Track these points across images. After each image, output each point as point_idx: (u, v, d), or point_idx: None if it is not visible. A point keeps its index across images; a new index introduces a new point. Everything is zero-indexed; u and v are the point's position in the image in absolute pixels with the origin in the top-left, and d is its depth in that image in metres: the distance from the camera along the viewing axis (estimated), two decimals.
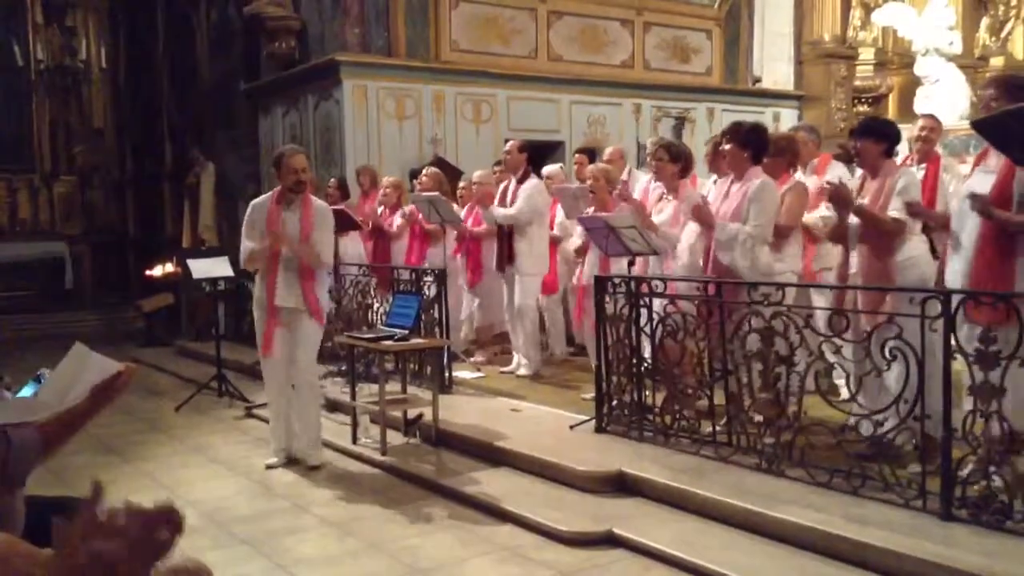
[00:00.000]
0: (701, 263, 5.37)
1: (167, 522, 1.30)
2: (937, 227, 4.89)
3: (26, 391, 2.18)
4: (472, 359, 8.00)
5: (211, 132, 12.13)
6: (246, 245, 5.66)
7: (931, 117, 6.07)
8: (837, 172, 6.07)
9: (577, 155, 7.92)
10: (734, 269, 5.05)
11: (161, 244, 13.22)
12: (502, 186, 7.61)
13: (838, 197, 4.72)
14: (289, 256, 5.53)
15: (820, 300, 5.37)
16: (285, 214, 5.59)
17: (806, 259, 5.90)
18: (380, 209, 8.39)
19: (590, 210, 6.34)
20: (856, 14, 13.48)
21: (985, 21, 14.02)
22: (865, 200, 4.72)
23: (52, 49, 14.73)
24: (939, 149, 6.17)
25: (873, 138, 4.74)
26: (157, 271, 11.92)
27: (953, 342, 3.79)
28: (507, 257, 7.32)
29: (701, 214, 5.21)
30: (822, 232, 5.70)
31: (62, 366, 2.20)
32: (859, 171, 5.14)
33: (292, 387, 5.80)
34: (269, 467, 5.75)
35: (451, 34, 10.33)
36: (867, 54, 13.43)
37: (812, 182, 6.03)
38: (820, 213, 5.73)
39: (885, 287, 4.48)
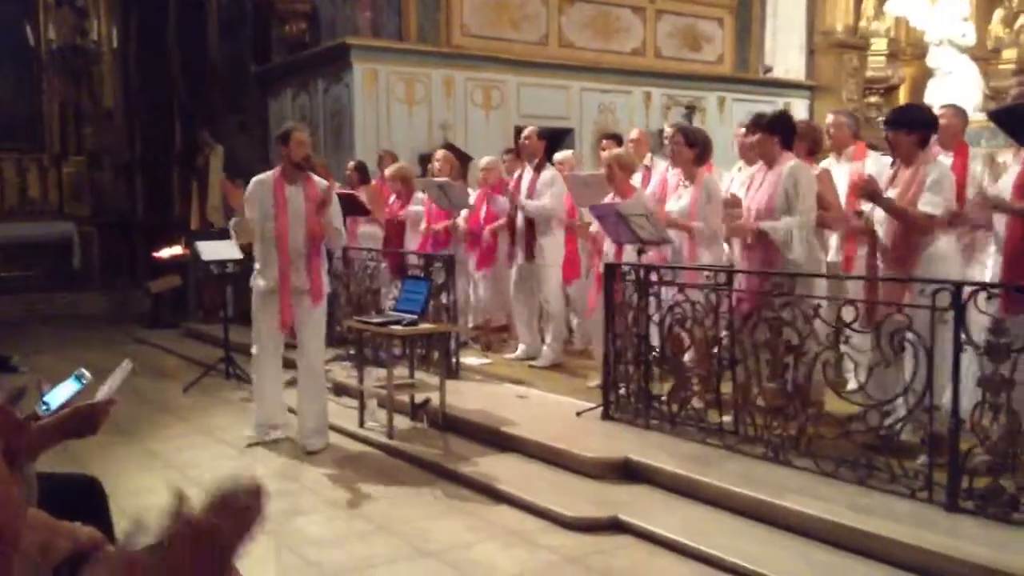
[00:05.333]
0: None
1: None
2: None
3: (67, 387, 2.19)
4: (475, 345, 8.00)
5: (220, 115, 12.14)
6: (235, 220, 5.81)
7: (949, 106, 5.90)
8: (874, 163, 5.95)
9: (604, 140, 7.88)
10: (798, 263, 4.87)
11: (169, 226, 13.24)
12: (516, 173, 7.56)
13: (868, 192, 4.65)
14: (296, 238, 5.57)
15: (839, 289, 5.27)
16: (290, 189, 5.62)
17: (849, 247, 5.81)
18: (391, 198, 8.38)
19: (609, 197, 6.30)
20: (869, 4, 13.39)
21: (999, 13, 13.91)
22: (897, 190, 4.64)
23: (63, 29, 14.73)
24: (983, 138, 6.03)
25: (905, 129, 4.61)
26: (165, 253, 11.94)
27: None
28: (528, 250, 7.28)
29: (742, 228, 5.16)
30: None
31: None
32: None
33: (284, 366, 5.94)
34: (250, 445, 5.83)
35: (462, 19, 10.32)
36: (879, 44, 13.34)
37: (848, 169, 5.96)
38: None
39: (899, 277, 4.46)
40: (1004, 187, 4.31)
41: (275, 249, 5.61)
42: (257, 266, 5.81)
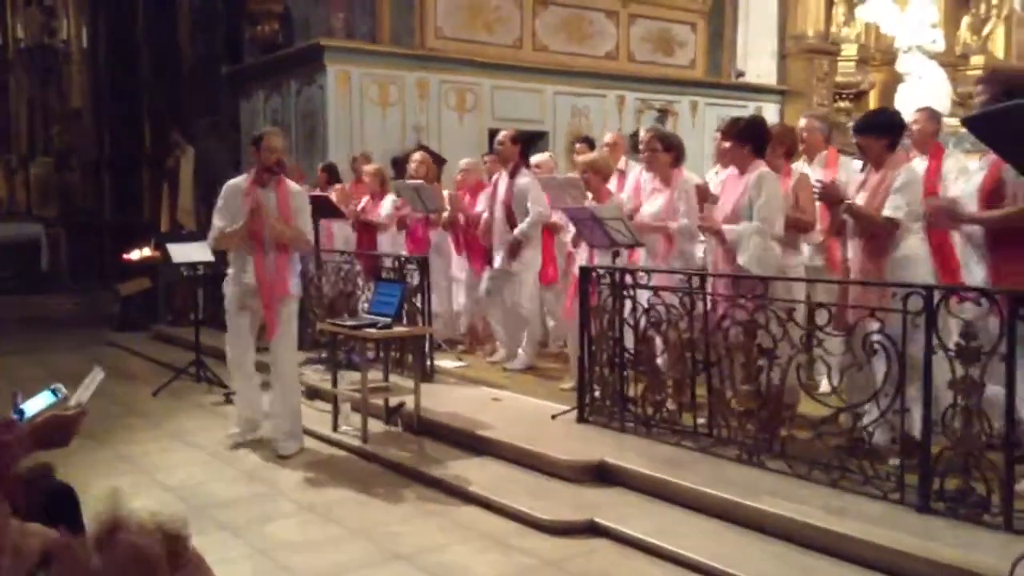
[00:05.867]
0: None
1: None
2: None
3: (42, 398, 2.17)
4: (448, 348, 7.97)
5: (192, 116, 12.03)
6: (217, 225, 5.67)
7: (924, 110, 5.94)
8: (844, 168, 5.97)
9: (578, 144, 7.87)
10: (748, 269, 4.88)
11: (138, 228, 13.10)
12: (495, 177, 7.53)
13: (828, 195, 4.71)
14: (269, 240, 5.54)
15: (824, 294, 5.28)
16: (262, 193, 5.59)
17: (833, 249, 5.83)
18: (365, 199, 8.35)
19: (589, 201, 6.32)
20: (840, 9, 13.53)
21: (966, 19, 14.11)
22: (865, 195, 4.70)
23: (31, 28, 14.55)
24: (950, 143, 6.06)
25: (874, 134, 4.66)
26: (134, 255, 11.80)
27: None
28: (511, 254, 7.21)
29: (707, 225, 5.18)
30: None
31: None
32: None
33: (256, 368, 5.93)
34: (233, 441, 5.87)
35: (436, 21, 10.30)
36: (849, 50, 13.48)
37: (819, 175, 5.99)
38: None
39: (871, 281, 4.49)
40: (968, 192, 4.35)
41: (250, 253, 5.57)
42: (231, 270, 5.77)
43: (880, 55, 13.93)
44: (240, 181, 5.72)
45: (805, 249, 5.79)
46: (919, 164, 5.33)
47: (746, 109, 11.85)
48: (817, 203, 5.41)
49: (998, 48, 14.06)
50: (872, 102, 13.63)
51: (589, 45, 11.42)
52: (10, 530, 1.55)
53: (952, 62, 13.56)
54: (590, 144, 7.67)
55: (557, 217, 7.20)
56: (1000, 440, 3.69)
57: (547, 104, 10.97)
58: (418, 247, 7.80)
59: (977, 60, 13.53)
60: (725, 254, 5.08)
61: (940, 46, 13.13)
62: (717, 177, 6.21)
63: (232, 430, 5.98)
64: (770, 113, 12.58)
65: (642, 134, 6.45)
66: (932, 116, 5.78)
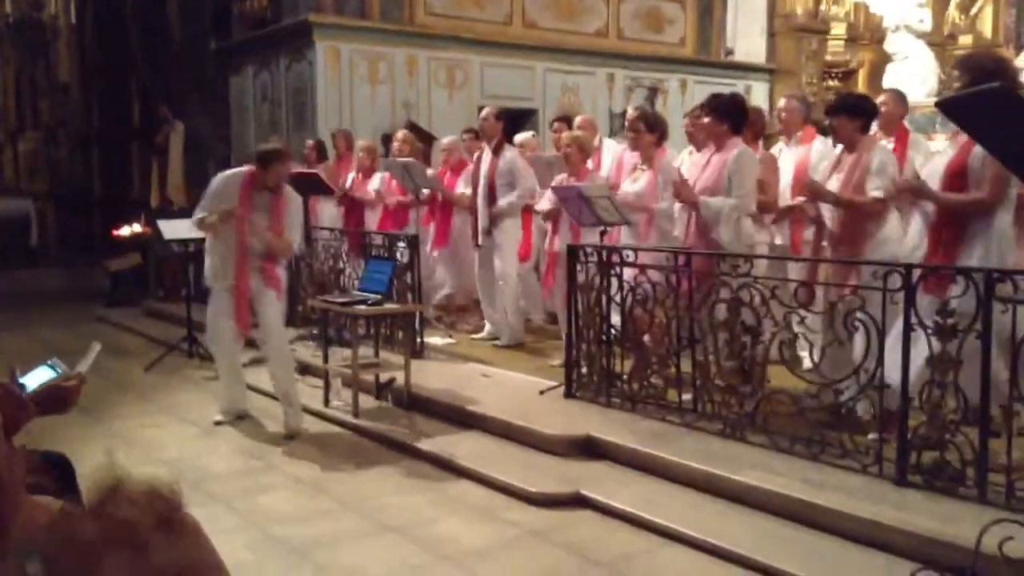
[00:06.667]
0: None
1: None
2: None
3: (41, 373, 2.22)
4: (439, 325, 8.05)
5: (181, 91, 11.98)
6: (199, 215, 5.69)
7: (890, 91, 6.05)
8: (821, 146, 6.08)
9: (556, 123, 7.93)
10: (720, 243, 5.03)
11: (127, 203, 13.08)
12: (476, 155, 7.59)
13: (815, 193, 4.80)
14: (256, 248, 5.58)
15: (794, 271, 5.41)
16: (257, 197, 5.60)
17: (795, 231, 5.95)
18: (353, 174, 8.38)
19: (561, 177, 6.41)
20: None
21: None
22: (841, 175, 4.78)
23: (19, 2, 14.45)
24: (907, 124, 6.17)
25: (848, 114, 4.76)
26: (124, 231, 11.80)
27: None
28: (486, 228, 7.30)
29: (683, 193, 5.26)
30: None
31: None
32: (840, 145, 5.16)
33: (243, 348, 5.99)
34: (218, 423, 5.89)
35: None
36: (839, 29, 13.51)
37: (797, 153, 6.08)
38: None
39: (850, 260, 4.58)
40: (934, 170, 4.43)
41: (233, 252, 5.58)
42: (208, 262, 5.79)
43: (869, 34, 13.95)
44: (236, 177, 5.68)
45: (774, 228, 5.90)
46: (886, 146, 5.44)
47: (735, 87, 11.88)
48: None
49: (986, 28, 14.10)
50: (861, 81, 13.68)
51: (579, 22, 11.41)
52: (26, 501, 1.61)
53: (940, 42, 13.59)
54: (568, 124, 7.73)
55: (536, 197, 7.28)
56: (975, 415, 3.79)
57: (537, 81, 10.98)
58: (397, 224, 7.86)
59: (965, 40, 13.56)
60: (698, 227, 5.18)
61: (927, 25, 13.16)
62: (691, 158, 6.26)
63: (218, 416, 5.97)
64: (759, 92, 12.63)
65: (630, 111, 6.52)
66: (899, 98, 5.88)
